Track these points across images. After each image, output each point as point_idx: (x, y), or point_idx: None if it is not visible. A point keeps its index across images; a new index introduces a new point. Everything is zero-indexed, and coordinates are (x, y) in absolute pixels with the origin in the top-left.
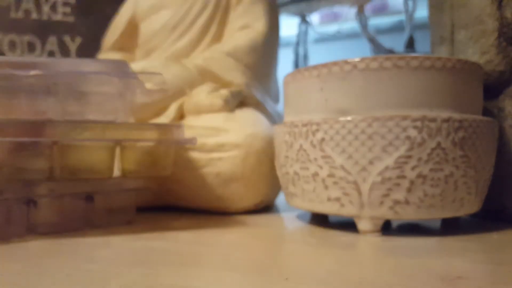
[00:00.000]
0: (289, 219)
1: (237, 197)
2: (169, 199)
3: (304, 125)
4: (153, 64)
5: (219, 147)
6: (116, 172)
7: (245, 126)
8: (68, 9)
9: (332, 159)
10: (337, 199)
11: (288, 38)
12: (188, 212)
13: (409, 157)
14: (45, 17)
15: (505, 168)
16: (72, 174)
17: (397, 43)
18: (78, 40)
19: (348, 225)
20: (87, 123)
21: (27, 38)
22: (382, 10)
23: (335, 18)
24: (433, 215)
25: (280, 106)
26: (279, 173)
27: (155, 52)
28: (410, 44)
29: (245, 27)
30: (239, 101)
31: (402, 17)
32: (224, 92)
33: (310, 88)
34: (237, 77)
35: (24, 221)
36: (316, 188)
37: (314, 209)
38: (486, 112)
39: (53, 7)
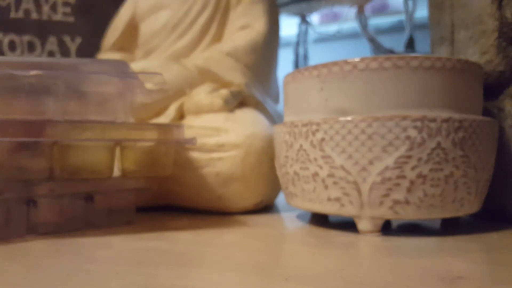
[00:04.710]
0: (289, 219)
1: (237, 197)
2: (169, 199)
3: (304, 125)
4: (153, 64)
5: (219, 147)
6: (116, 172)
7: (245, 126)
8: (68, 9)
9: (332, 159)
10: (337, 199)
11: (288, 38)
12: (188, 212)
13: (409, 157)
14: (45, 17)
15: (505, 168)
16: (72, 174)
17: (397, 43)
18: (78, 40)
19: (348, 225)
20: (87, 123)
21: (27, 38)
22: (382, 10)
23: (335, 18)
24: (433, 215)
25: (280, 106)
26: (279, 173)
27: (155, 52)
28: (410, 44)
29: (245, 27)
30: (239, 101)
31: (402, 17)
32: (224, 92)
33: (310, 88)
34: (237, 77)
35: (24, 221)
36: (316, 188)
37: (314, 209)
38: (486, 112)
39: (53, 7)
